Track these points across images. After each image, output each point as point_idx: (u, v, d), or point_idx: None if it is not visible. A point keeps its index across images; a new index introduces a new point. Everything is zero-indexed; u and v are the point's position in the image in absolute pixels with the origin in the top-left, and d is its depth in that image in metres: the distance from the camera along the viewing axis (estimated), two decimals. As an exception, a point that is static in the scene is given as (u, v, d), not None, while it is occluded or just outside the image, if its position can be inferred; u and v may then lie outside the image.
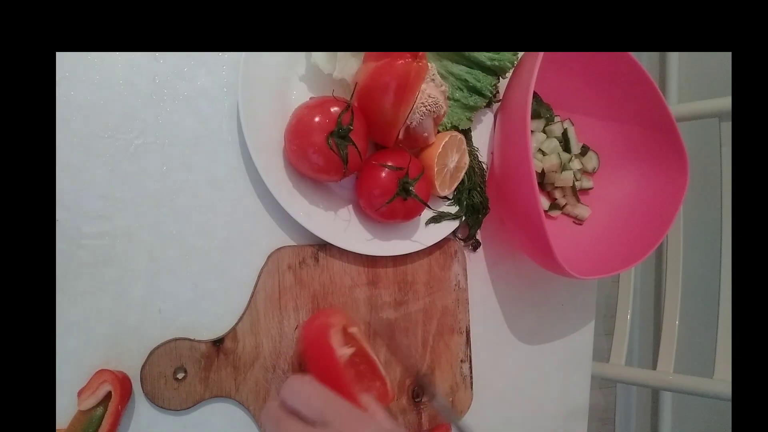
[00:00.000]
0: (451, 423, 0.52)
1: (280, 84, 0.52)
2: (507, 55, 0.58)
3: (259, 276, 0.50)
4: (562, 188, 0.68)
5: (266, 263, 0.50)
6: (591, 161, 0.70)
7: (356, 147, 0.48)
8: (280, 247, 0.51)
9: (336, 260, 0.53)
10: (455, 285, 0.59)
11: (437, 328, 0.58)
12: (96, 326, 0.45)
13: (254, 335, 0.49)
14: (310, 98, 0.50)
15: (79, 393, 0.43)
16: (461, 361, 0.59)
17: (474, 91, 0.58)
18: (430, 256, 0.58)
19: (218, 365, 0.48)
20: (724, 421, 1.32)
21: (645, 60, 1.56)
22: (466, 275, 0.60)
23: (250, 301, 0.49)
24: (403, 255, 0.55)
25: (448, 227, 0.58)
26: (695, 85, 1.45)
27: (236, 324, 0.49)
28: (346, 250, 0.52)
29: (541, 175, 0.67)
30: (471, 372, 0.60)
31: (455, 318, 0.59)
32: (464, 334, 0.60)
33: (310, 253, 0.52)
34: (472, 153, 0.61)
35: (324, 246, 0.52)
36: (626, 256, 0.63)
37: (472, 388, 0.60)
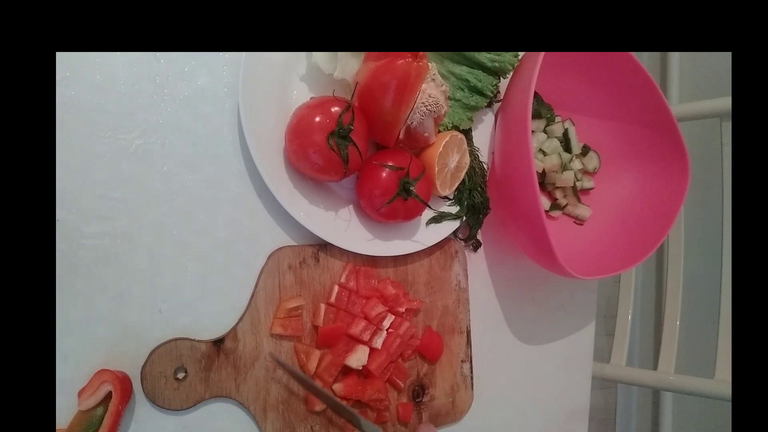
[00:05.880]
0: None
1: (281, 84, 0.52)
2: (508, 57, 0.58)
3: (259, 276, 0.50)
4: (563, 188, 0.68)
5: (267, 263, 0.50)
6: (592, 161, 0.70)
7: (357, 147, 0.47)
8: (281, 247, 0.51)
9: (336, 260, 0.53)
10: (456, 285, 0.59)
11: (438, 328, 0.58)
12: (96, 326, 0.45)
13: (255, 335, 0.49)
14: (311, 98, 0.50)
15: (80, 393, 0.43)
16: (462, 361, 0.59)
17: (475, 91, 0.58)
18: (431, 256, 0.58)
19: (219, 365, 0.48)
20: (725, 422, 1.31)
21: (646, 60, 1.56)
22: (466, 275, 0.60)
23: (250, 301, 0.49)
24: (404, 255, 0.55)
25: (448, 227, 0.58)
26: (696, 85, 1.45)
27: (237, 324, 0.49)
28: (347, 250, 0.52)
29: (542, 175, 0.66)
30: (472, 372, 0.60)
31: (456, 318, 0.59)
32: (465, 333, 0.60)
33: (311, 253, 0.52)
34: (473, 153, 0.61)
35: (324, 246, 0.52)
36: (627, 256, 0.63)
37: (472, 388, 0.60)
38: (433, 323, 0.58)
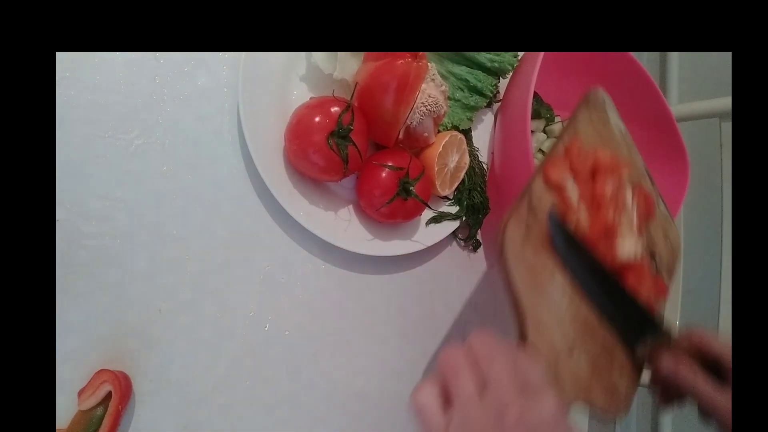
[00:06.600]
0: None
1: (281, 84, 0.52)
2: (507, 57, 0.58)
3: None
4: (563, 188, 0.68)
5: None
6: (591, 161, 0.69)
7: (356, 147, 0.48)
8: None
9: None
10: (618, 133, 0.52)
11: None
12: (96, 326, 0.45)
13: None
14: (311, 98, 0.50)
15: (80, 393, 0.43)
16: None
17: (475, 91, 0.58)
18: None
19: None
20: (725, 422, 1.31)
21: (645, 60, 1.56)
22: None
23: None
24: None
25: (448, 227, 0.58)
26: (696, 85, 1.45)
27: None
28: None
29: (542, 175, 0.66)
30: (665, 205, 0.54)
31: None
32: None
33: None
34: (473, 153, 0.61)
35: None
36: (627, 257, 0.63)
37: (672, 218, 0.54)
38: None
